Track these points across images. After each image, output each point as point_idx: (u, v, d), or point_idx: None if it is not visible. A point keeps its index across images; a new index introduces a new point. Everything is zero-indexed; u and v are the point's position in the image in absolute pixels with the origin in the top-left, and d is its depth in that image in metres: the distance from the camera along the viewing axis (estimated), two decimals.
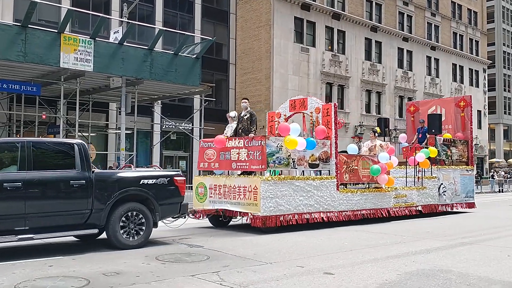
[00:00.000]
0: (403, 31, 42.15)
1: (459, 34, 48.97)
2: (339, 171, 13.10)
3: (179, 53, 19.66)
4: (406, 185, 15.80)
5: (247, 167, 11.80)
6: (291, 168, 12.30)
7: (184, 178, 10.17)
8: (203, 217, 12.46)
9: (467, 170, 17.94)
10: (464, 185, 17.63)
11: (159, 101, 25.03)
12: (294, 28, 33.80)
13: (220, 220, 12.55)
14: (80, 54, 16.72)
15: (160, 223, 9.83)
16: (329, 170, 13.04)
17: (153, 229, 9.51)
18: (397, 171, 16.33)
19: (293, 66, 33.36)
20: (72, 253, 8.79)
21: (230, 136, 12.67)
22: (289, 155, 12.06)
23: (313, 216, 12.25)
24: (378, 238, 10.82)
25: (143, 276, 6.84)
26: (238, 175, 12.36)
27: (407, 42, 42.35)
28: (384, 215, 14.10)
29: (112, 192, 8.95)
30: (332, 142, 13.00)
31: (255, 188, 11.35)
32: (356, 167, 13.77)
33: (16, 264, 7.66)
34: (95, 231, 8.93)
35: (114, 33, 20.79)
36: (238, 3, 34.37)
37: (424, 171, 16.21)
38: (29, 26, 15.86)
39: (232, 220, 12.80)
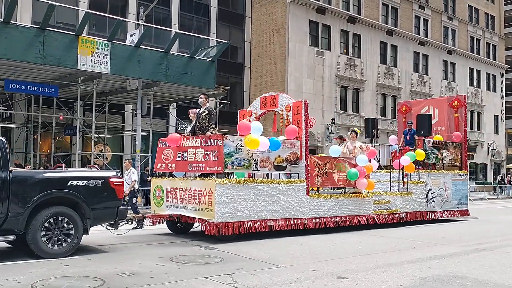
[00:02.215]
0: (419, 35, 41.86)
1: (476, 38, 48.46)
2: (309, 174, 12.03)
3: (195, 56, 19.77)
4: (390, 190, 14.69)
5: (203, 168, 10.75)
6: (253, 170, 11.15)
7: (122, 180, 9.30)
8: (160, 222, 11.50)
9: (460, 174, 16.73)
10: (456, 191, 16.41)
11: (175, 104, 25.17)
12: (309, 31, 33.76)
13: (181, 227, 11.64)
14: (97, 56, 16.90)
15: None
16: (298, 173, 12.01)
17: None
18: (384, 175, 15.37)
19: (308, 70, 33.33)
20: (88, 253, 8.88)
21: (188, 135, 11.68)
22: (251, 156, 10.92)
23: (278, 223, 11.18)
24: (392, 243, 10.76)
25: (158, 277, 6.89)
26: (195, 177, 11.26)
27: (423, 46, 42.05)
28: (362, 222, 13.01)
29: (33, 195, 8.02)
30: (302, 143, 11.93)
31: (210, 192, 10.30)
32: (330, 170, 12.66)
33: (33, 263, 7.77)
34: (11, 238, 7.98)
35: (130, 35, 20.96)
36: (254, 6, 34.45)
37: (411, 175, 15.07)
38: (47, 28, 16.05)
39: (194, 226, 11.85)
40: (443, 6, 44.91)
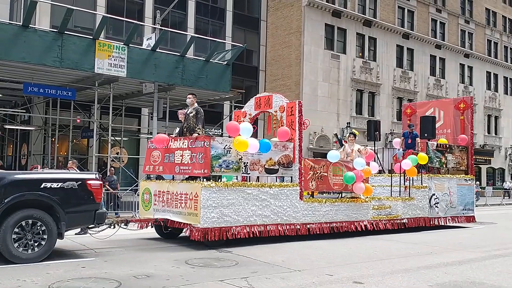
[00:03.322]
0: (435, 38, 41.53)
1: (494, 42, 47.92)
2: (303, 178, 11.55)
3: (210, 60, 19.86)
4: (391, 195, 14.18)
5: (189, 171, 10.34)
6: (243, 173, 10.70)
7: (101, 183, 8.92)
8: (145, 227, 11.10)
9: (465, 179, 16.12)
10: (461, 196, 15.80)
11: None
12: (325, 35, 33.70)
13: (167, 232, 11.21)
14: (114, 60, 17.05)
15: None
16: (291, 177, 11.52)
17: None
18: (386, 180, 14.93)
19: (323, 73, 33.25)
20: (104, 255, 8.96)
21: (175, 136, 11.32)
22: (240, 159, 10.47)
23: (269, 229, 10.71)
24: (409, 248, 10.67)
25: (173, 280, 6.92)
26: (182, 180, 10.92)
27: (439, 50, 41.69)
28: (359, 228, 12.53)
29: (4, 197, 7.72)
30: (295, 145, 11.48)
31: (196, 195, 9.86)
32: (326, 174, 12.20)
33: (51, 264, 7.86)
34: None
35: (147, 39, 21.13)
36: (269, 10, 34.51)
37: (413, 180, 14.54)
38: (65, 32, 16.25)
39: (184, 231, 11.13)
40: (460, 9, 44.52)
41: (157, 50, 18.43)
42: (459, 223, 15.87)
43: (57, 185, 8.18)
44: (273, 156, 11.08)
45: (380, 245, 11.08)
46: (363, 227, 12.60)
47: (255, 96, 13.32)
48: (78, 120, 21.42)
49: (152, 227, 11.32)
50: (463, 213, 15.94)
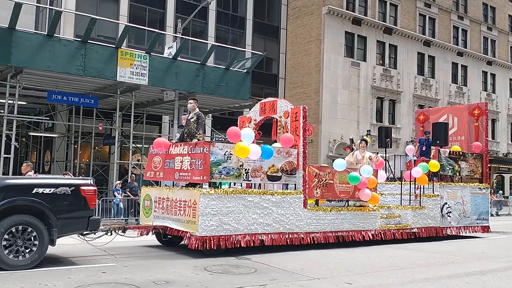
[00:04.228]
0: (457, 45, 41.09)
1: None
2: (307, 186, 11.15)
3: (230, 68, 20.00)
4: (401, 204, 13.64)
5: (189, 177, 10.06)
6: (244, 180, 10.36)
7: (95, 188, 8.68)
8: (146, 234, 10.82)
9: (479, 188, 15.44)
10: (475, 206, 15.14)
11: (210, 114, 25.46)
12: (345, 42, 33.62)
13: (166, 240, 10.93)
14: (136, 68, 17.31)
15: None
16: (295, 184, 11.16)
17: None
18: (397, 188, 14.32)
19: (343, 81, 33.15)
20: (125, 260, 9.06)
21: (176, 142, 11.07)
22: (241, 165, 10.15)
23: (271, 238, 10.40)
24: (429, 257, 10.53)
25: (192, 286, 6.96)
26: (182, 186, 10.67)
27: (461, 57, 41.21)
28: (367, 238, 12.08)
29: None
30: (299, 151, 11.08)
31: (195, 203, 9.60)
32: (331, 181, 11.70)
33: (71, 269, 7.98)
34: None
35: (168, 48, 21.39)
36: (289, 18, 34.60)
37: (424, 188, 14.00)
38: (88, 41, 16.57)
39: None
40: (483, 16, 43.98)
41: (178, 58, 18.65)
42: (473, 233, 15.32)
43: (50, 190, 7.97)
44: (276, 163, 10.76)
45: (401, 254, 10.96)
46: (371, 237, 12.19)
47: (259, 102, 13.02)
48: (100, 128, 21.73)
49: (153, 234, 11.09)
50: (477, 223, 15.29)
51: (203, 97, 20.18)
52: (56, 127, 22.87)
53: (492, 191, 36.98)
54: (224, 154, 9.92)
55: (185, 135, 10.93)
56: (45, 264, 8.32)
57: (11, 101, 16.40)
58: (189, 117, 11.11)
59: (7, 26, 15.10)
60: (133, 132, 19.64)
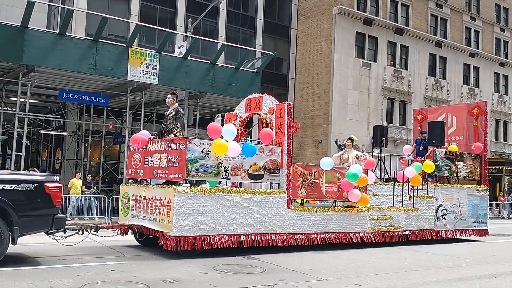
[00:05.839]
0: (469, 46, 40.77)
1: None
2: (291, 185, 10.71)
3: (240, 68, 19.99)
4: (393, 205, 13.12)
5: (166, 175, 9.70)
6: (222, 178, 9.95)
7: (60, 185, 8.22)
8: (127, 233, 10.42)
9: (478, 190, 14.88)
10: (473, 208, 14.58)
11: (219, 114, 25.47)
12: (356, 43, 33.51)
13: (146, 239, 10.54)
14: (146, 67, 17.35)
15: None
16: (278, 183, 10.72)
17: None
18: (390, 188, 13.67)
19: (353, 81, 33.03)
20: (134, 259, 9.08)
21: (154, 138, 10.66)
22: (221, 163, 9.76)
23: (250, 239, 10.00)
24: (440, 259, 10.45)
25: (201, 285, 6.95)
26: (159, 184, 10.32)
27: (473, 58, 40.90)
28: (355, 240, 11.64)
29: None
30: (284, 149, 10.62)
31: (169, 201, 9.23)
32: (317, 181, 11.27)
33: (81, 267, 8.01)
34: None
35: (178, 47, 21.43)
36: (300, 18, 34.55)
37: (418, 189, 13.52)
38: (99, 40, 16.64)
39: None
40: (495, 17, 43.60)
41: (188, 58, 18.66)
42: (469, 237, 14.78)
43: (11, 187, 7.58)
44: (258, 161, 10.30)
45: (411, 255, 10.89)
46: (359, 239, 11.76)
47: (245, 98, 12.54)
48: (111, 126, 21.82)
49: (132, 234, 10.71)
50: (474, 226, 14.70)
51: (213, 97, 20.20)
52: (67, 125, 23.01)
53: (502, 193, 36.63)
54: (202, 151, 9.55)
55: (163, 131, 10.65)
56: (55, 262, 8.37)
57: (23, 99, 16.50)
58: (167, 113, 10.85)
59: (19, 24, 15.21)
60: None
